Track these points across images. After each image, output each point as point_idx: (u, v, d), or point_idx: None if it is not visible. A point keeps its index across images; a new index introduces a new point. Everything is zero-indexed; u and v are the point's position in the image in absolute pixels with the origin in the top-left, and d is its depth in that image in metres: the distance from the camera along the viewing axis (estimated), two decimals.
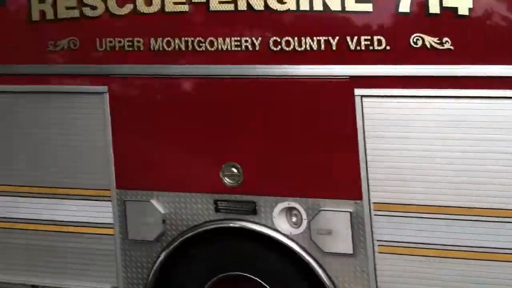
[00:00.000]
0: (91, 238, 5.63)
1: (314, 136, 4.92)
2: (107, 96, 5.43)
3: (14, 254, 5.87)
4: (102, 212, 5.57)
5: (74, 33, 5.48)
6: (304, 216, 5.01)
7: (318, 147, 4.92)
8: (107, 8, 5.35)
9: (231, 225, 5.24)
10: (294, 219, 5.08)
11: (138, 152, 5.44)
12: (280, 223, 5.09)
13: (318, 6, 4.71)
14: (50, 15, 5.52)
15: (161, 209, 5.37)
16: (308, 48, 4.80)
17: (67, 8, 5.47)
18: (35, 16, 5.56)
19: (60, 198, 5.68)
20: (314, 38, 4.76)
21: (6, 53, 5.70)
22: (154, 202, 5.39)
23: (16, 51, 5.68)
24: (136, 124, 5.43)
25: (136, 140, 5.44)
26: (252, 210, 5.14)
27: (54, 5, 5.49)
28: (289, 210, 5.08)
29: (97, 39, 5.41)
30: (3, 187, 5.83)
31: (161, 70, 5.29)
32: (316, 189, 4.97)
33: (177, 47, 5.19)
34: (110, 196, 5.52)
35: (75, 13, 5.46)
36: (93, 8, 5.39)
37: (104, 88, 5.43)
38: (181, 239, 5.35)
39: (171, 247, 5.38)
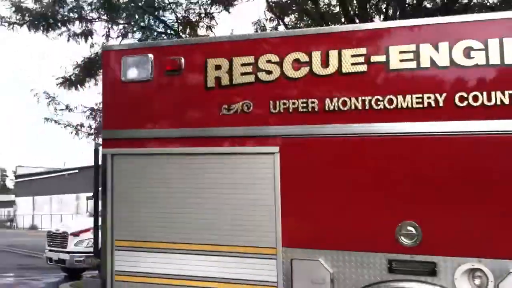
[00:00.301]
0: None
1: (504, 192, 4.41)
2: (278, 156, 5.13)
3: None
4: (266, 270, 5.11)
5: (248, 96, 5.31)
6: (491, 278, 4.40)
7: (509, 204, 4.39)
8: (282, 72, 5.20)
9: (406, 286, 4.65)
10: (477, 281, 4.47)
11: (307, 211, 5.03)
12: (462, 285, 4.49)
13: (510, 59, 4.37)
14: (225, 81, 5.40)
15: (329, 268, 4.87)
16: (499, 103, 4.41)
17: (242, 74, 5.35)
18: (211, 83, 5.45)
19: (225, 256, 5.27)
20: (505, 92, 4.39)
21: (183, 117, 5.57)
22: (322, 260, 4.90)
23: (192, 116, 5.54)
24: (306, 183, 5.06)
25: (305, 199, 5.05)
26: (431, 271, 4.57)
27: (230, 71, 5.39)
28: (472, 272, 4.48)
29: (271, 101, 5.22)
30: (176, 245, 5.48)
31: (335, 130, 4.98)
32: (506, 249, 4.38)
33: (353, 106, 4.92)
34: (275, 255, 5.08)
35: (250, 78, 5.32)
36: (269, 72, 5.25)
37: (275, 149, 5.15)
38: None
39: None
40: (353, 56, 4.95)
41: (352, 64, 4.94)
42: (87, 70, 14.99)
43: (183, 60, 5.58)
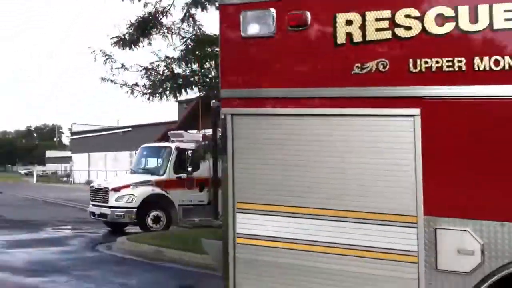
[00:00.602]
0: (390, 264, 4.74)
1: None
2: (418, 119, 4.65)
3: (305, 275, 5.05)
4: (405, 239, 4.70)
5: (384, 54, 4.81)
6: None
7: None
8: (423, 28, 4.67)
9: None
10: None
11: (453, 178, 4.58)
12: None
13: None
14: (357, 38, 4.90)
15: (479, 239, 4.42)
16: None
17: (377, 29, 4.83)
18: (341, 39, 4.95)
19: (358, 222, 4.86)
20: None
21: (309, 76, 5.09)
22: (471, 231, 4.46)
23: (320, 74, 5.06)
24: (451, 147, 4.60)
25: (451, 165, 4.59)
26: None
27: (363, 27, 4.87)
28: None
29: (411, 60, 4.71)
30: (305, 209, 5.07)
31: (486, 91, 4.48)
32: None
33: (507, 66, 4.39)
34: (416, 223, 4.64)
35: (387, 35, 4.80)
36: (407, 28, 4.73)
37: (416, 111, 4.67)
38: (502, 273, 4.35)
39: (489, 281, 4.40)
40: (507, 11, 4.40)
41: (506, 19, 4.40)
42: (141, 29, 14.57)
43: (309, 15, 5.07)
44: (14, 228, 18.22)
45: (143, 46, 14.85)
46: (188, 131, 21.06)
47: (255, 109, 5.30)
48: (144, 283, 9.96)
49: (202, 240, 5.89)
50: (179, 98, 16.54)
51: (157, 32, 14.93)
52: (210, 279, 10.48)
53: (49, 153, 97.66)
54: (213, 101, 5.61)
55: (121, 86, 14.99)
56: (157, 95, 15.16)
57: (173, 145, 18.63)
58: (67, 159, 74.50)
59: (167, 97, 15.22)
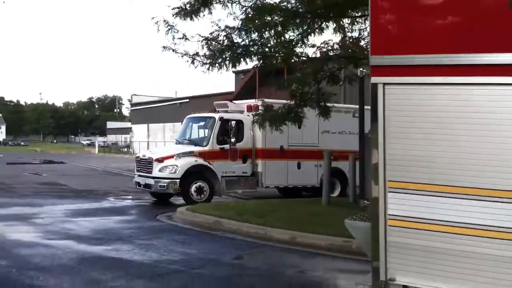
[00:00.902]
0: None
1: None
2: None
3: (462, 261, 4.43)
4: None
5: None
6: None
7: None
8: None
9: None
10: None
11: None
12: None
13: None
14: None
15: None
16: None
17: None
18: None
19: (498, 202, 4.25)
20: None
21: (479, 41, 4.38)
22: None
23: (489, 39, 4.35)
24: None
25: None
26: None
27: None
28: None
29: None
30: (464, 189, 4.43)
31: None
32: None
33: None
34: None
35: None
36: None
37: None
38: None
39: None
40: None
41: None
42: None
43: None
44: (77, 198, 18.01)
45: (204, 16, 14.13)
46: (237, 101, 20.38)
47: (410, 78, 4.64)
48: (205, 253, 9.55)
49: (345, 221, 5.26)
50: (237, 68, 15.86)
51: (218, 1, 14.19)
52: (270, 250, 10.15)
53: (110, 124, 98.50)
54: (361, 69, 4.91)
55: (182, 56, 14.35)
56: (217, 65, 14.48)
57: (216, 116, 17.95)
58: (127, 130, 74.93)
59: (226, 67, 14.54)
